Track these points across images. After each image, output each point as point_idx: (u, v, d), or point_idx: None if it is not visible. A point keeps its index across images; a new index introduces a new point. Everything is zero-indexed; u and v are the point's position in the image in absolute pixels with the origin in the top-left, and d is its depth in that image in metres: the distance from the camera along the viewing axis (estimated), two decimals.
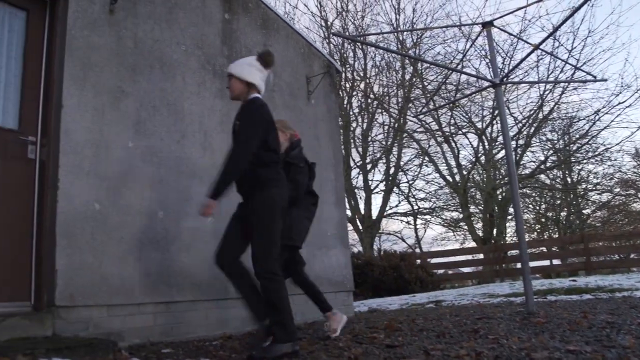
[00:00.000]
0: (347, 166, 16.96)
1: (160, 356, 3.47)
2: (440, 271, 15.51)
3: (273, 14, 6.47)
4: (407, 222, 20.98)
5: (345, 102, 17.71)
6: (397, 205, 20.68)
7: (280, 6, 17.45)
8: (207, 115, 5.09)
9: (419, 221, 20.92)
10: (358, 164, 18.64)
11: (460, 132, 18.36)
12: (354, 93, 18.20)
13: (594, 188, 20.39)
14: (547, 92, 16.05)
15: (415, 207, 20.19)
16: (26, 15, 4.03)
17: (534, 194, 21.43)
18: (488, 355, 2.88)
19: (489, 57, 13.79)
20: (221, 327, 4.77)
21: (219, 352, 3.61)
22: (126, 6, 4.56)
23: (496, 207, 18.66)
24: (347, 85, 17.71)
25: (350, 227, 17.19)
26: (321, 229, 6.45)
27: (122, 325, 4.01)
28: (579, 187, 20.90)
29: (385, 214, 18.87)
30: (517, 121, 16.99)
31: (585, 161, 18.42)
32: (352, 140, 18.20)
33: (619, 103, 15.64)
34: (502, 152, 17.24)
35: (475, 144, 18.61)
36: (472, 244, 19.30)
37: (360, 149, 18.54)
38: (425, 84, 17.71)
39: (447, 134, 18.16)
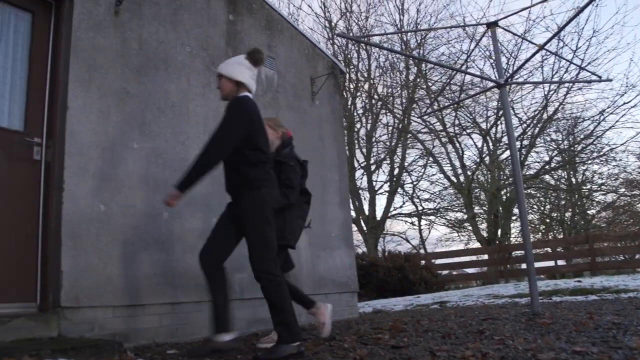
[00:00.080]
0: (351, 167, 16.94)
1: (166, 357, 3.47)
2: (445, 272, 15.49)
3: (277, 15, 6.48)
4: (412, 223, 21.00)
5: (349, 102, 17.69)
6: (401, 206, 20.62)
7: (284, 7, 17.46)
8: (212, 116, 5.09)
9: (423, 222, 20.93)
10: (362, 165, 18.63)
11: (464, 132, 18.32)
12: (358, 94, 18.20)
13: (599, 188, 20.33)
14: (551, 93, 16.01)
15: (420, 208, 20.18)
16: (31, 17, 4.04)
17: (538, 195, 21.37)
18: (494, 356, 2.87)
19: (493, 57, 13.77)
20: None
21: (224, 353, 3.60)
22: (131, 8, 4.57)
23: (500, 208, 18.61)
24: (351, 86, 17.70)
25: (354, 228, 17.16)
26: (325, 230, 6.45)
27: (128, 326, 4.01)
28: (584, 187, 20.84)
29: (389, 214, 18.83)
30: (521, 121, 16.95)
31: (590, 161, 18.39)
32: (356, 141, 18.19)
33: (624, 103, 15.63)
34: (507, 153, 17.22)
35: (479, 144, 18.60)
36: (477, 245, 19.25)
37: (364, 150, 18.54)
38: (430, 84, 17.69)
39: (451, 134, 18.12)
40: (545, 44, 5.52)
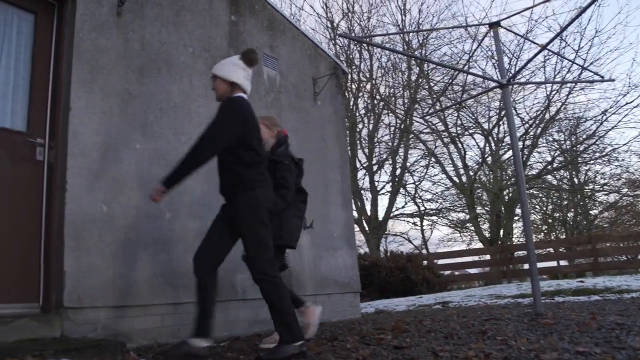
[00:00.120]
0: (353, 167, 16.94)
1: (168, 357, 3.47)
2: (447, 272, 15.47)
3: (279, 16, 6.48)
4: (414, 224, 20.96)
5: (352, 103, 17.71)
6: (403, 207, 20.57)
7: (286, 7, 17.49)
8: None
9: (425, 222, 20.89)
10: (364, 165, 18.62)
11: (466, 133, 18.32)
12: (360, 94, 18.22)
13: (601, 189, 20.27)
14: (554, 93, 16.00)
15: (422, 208, 20.16)
16: (34, 18, 4.05)
17: (540, 195, 21.34)
18: (497, 357, 2.87)
19: (495, 57, 13.77)
20: (229, 328, 4.78)
21: (227, 353, 3.61)
22: (133, 9, 4.58)
23: (503, 208, 18.60)
24: (353, 87, 17.72)
25: (356, 228, 17.16)
26: (328, 231, 6.45)
27: (130, 326, 4.02)
28: (586, 187, 20.80)
29: (391, 215, 18.83)
30: (523, 122, 16.94)
31: (592, 162, 18.35)
32: (358, 142, 18.19)
33: (627, 103, 15.57)
34: (509, 153, 17.20)
35: (481, 144, 18.59)
36: (479, 245, 19.26)
37: (366, 150, 18.53)
38: (432, 84, 17.70)
39: (453, 134, 18.12)
40: (548, 44, 5.51)
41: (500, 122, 17.39)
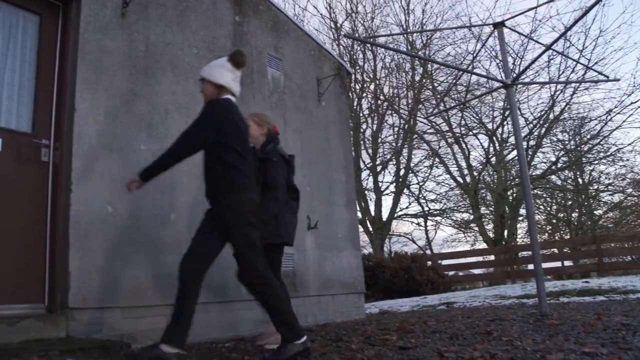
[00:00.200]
0: (357, 168, 16.94)
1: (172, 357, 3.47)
2: (451, 273, 15.45)
3: (283, 16, 6.49)
4: (418, 224, 20.95)
5: (355, 103, 17.70)
6: (407, 207, 20.64)
7: (289, 8, 17.49)
8: None
9: (429, 223, 20.89)
10: (368, 166, 18.63)
11: (470, 133, 18.30)
12: (364, 94, 18.21)
13: (606, 189, 20.24)
14: (558, 93, 15.98)
15: (426, 209, 20.16)
16: (39, 19, 4.06)
17: (545, 195, 21.30)
18: (502, 357, 2.86)
19: (499, 57, 13.75)
20: (233, 329, 4.78)
21: (232, 354, 3.62)
22: (138, 10, 4.59)
23: (507, 208, 18.57)
24: (357, 87, 17.71)
25: (360, 229, 17.15)
26: (332, 231, 6.45)
27: (135, 327, 4.02)
28: (591, 187, 20.75)
29: (395, 215, 18.83)
30: (528, 122, 16.92)
31: (596, 162, 18.32)
32: (362, 142, 18.19)
33: (632, 103, 15.60)
34: (513, 153, 17.18)
35: (486, 145, 18.57)
36: (483, 246, 19.22)
37: (370, 151, 18.53)
38: (436, 85, 17.69)
39: (457, 135, 18.10)
40: (553, 44, 5.50)
41: (504, 123, 17.37)
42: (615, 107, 15.92)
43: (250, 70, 5.72)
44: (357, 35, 16.89)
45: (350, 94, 16.82)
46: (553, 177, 19.57)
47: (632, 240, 16.62)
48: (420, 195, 19.87)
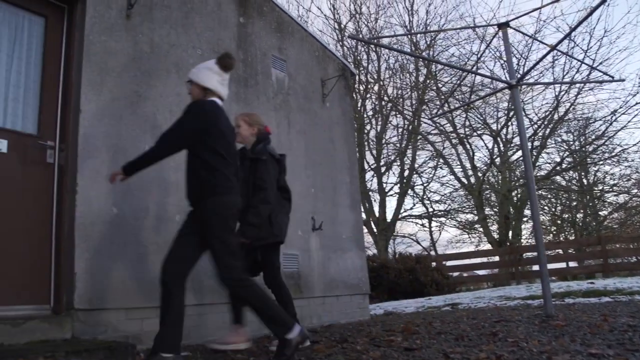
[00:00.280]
0: (361, 169, 16.93)
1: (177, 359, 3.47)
2: (456, 274, 15.42)
3: (287, 17, 6.49)
4: (422, 225, 20.92)
5: (359, 104, 17.70)
6: (411, 208, 20.55)
7: (293, 9, 17.51)
8: None
9: (433, 224, 20.85)
10: (372, 167, 18.62)
11: (475, 133, 18.28)
12: (368, 95, 18.22)
13: (611, 189, 20.13)
14: (562, 93, 15.94)
15: (430, 210, 20.12)
16: (44, 21, 4.07)
17: (549, 196, 21.23)
18: (508, 359, 2.85)
19: (504, 58, 13.73)
20: None
21: (237, 355, 3.62)
22: (142, 11, 4.60)
23: (511, 209, 18.52)
24: (361, 88, 17.71)
25: (364, 230, 17.14)
26: (336, 232, 6.45)
27: (140, 328, 4.03)
28: (595, 188, 20.67)
29: (399, 216, 18.81)
30: (532, 122, 16.88)
31: (601, 162, 18.25)
32: (366, 143, 18.19)
33: (637, 103, 15.48)
34: (518, 154, 17.13)
35: (490, 145, 18.53)
36: (488, 247, 19.18)
37: (374, 152, 18.52)
38: (440, 85, 17.68)
39: (461, 135, 18.08)
40: (557, 44, 5.49)
41: (509, 123, 17.34)
42: (620, 108, 15.89)
43: (254, 72, 5.73)
44: (361, 36, 16.90)
45: (354, 95, 16.81)
46: (558, 177, 19.52)
47: (637, 241, 16.53)
48: (424, 196, 19.86)
